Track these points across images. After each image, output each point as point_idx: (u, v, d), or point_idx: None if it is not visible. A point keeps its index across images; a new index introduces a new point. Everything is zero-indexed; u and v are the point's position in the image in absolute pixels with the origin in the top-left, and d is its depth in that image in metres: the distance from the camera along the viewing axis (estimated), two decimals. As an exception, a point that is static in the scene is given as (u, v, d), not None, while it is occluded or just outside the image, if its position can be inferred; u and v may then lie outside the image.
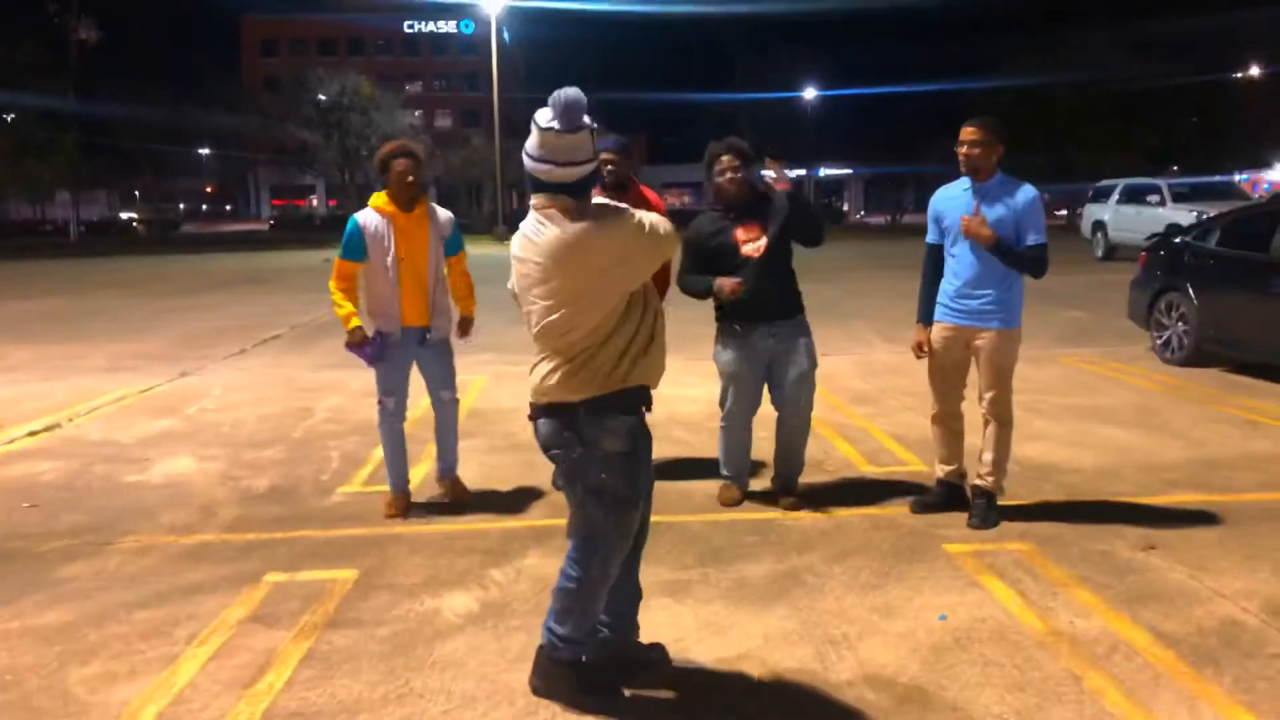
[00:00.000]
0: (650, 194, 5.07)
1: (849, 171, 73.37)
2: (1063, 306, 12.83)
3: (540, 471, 5.25)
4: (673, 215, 5.31)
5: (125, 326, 13.13)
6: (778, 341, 4.70)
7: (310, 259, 23.97)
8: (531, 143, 2.72)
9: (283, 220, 60.56)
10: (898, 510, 4.78)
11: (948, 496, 4.73)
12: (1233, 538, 4.31)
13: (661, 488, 5.07)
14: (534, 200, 2.78)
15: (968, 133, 4.39)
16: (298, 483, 5.53)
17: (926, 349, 4.66)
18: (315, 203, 70.59)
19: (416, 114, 60.57)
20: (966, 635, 3.42)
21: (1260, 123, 40.23)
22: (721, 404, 4.90)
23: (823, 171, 72.46)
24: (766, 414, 4.92)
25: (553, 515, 4.67)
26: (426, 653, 3.39)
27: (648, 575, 3.89)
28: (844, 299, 14.76)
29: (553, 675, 3.01)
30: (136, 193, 71.79)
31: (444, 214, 4.96)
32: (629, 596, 3.16)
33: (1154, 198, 20.14)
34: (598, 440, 2.81)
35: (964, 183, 4.50)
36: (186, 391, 8.35)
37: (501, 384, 8.11)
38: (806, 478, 5.19)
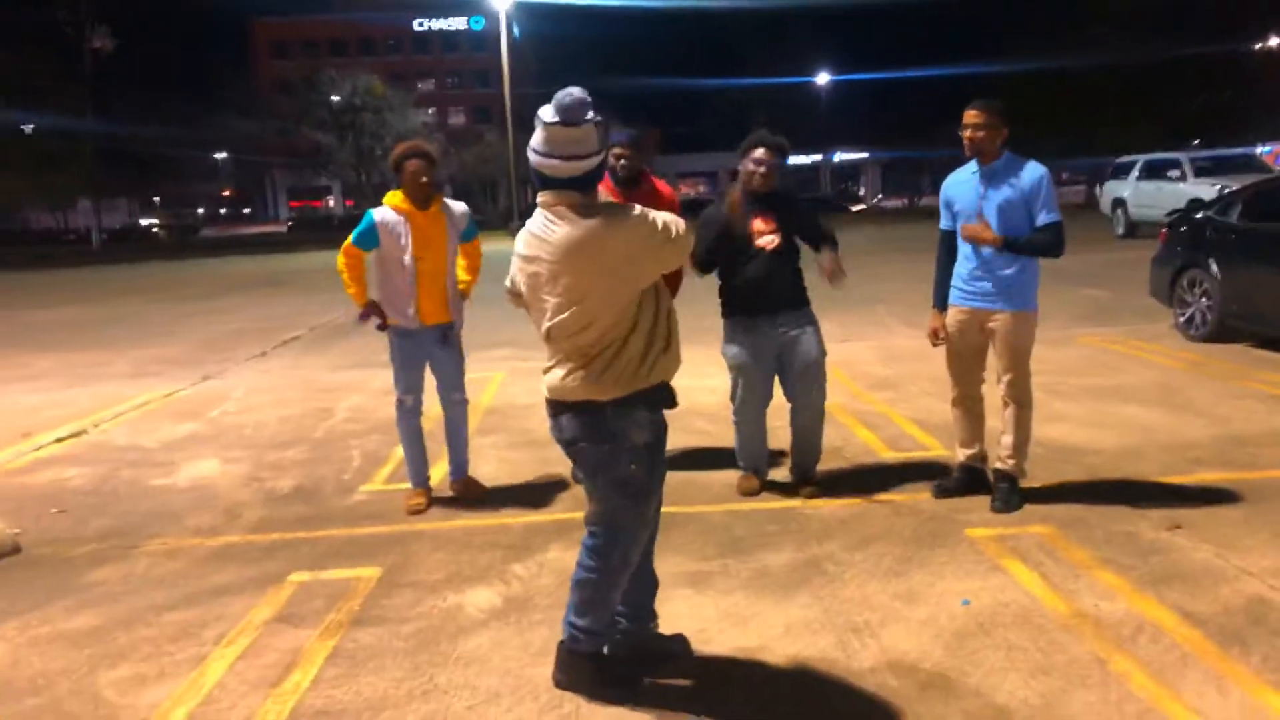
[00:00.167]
0: (663, 186, 5.05)
1: (865, 156, 72.96)
2: (1083, 285, 12.72)
3: (559, 465, 5.27)
4: (687, 204, 5.33)
5: (148, 332, 13.25)
6: (785, 332, 4.70)
7: (328, 259, 24.07)
8: (536, 138, 2.73)
9: (301, 221, 60.90)
10: (919, 496, 4.76)
11: (969, 480, 4.71)
12: (1259, 515, 4.27)
13: (682, 478, 5.15)
14: (541, 197, 2.78)
15: (970, 116, 4.36)
16: (320, 482, 5.57)
17: (943, 335, 4.64)
18: (332, 203, 70.93)
19: (429, 112, 60.76)
20: (990, 620, 3.40)
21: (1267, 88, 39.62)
22: (732, 398, 4.90)
23: (838, 156, 72.14)
24: (781, 403, 4.92)
25: (574, 508, 4.68)
26: (450, 649, 3.41)
27: (668, 566, 3.92)
28: (862, 284, 14.64)
29: (575, 668, 3.02)
30: (156, 199, 72.39)
31: (459, 208, 5.00)
32: (646, 586, 3.17)
33: (1175, 173, 19.87)
34: (626, 433, 2.82)
35: (972, 166, 4.47)
36: (209, 395, 8.42)
37: (518, 380, 8.13)
38: (826, 465, 5.18)
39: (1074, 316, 10.23)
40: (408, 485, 5.10)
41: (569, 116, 2.66)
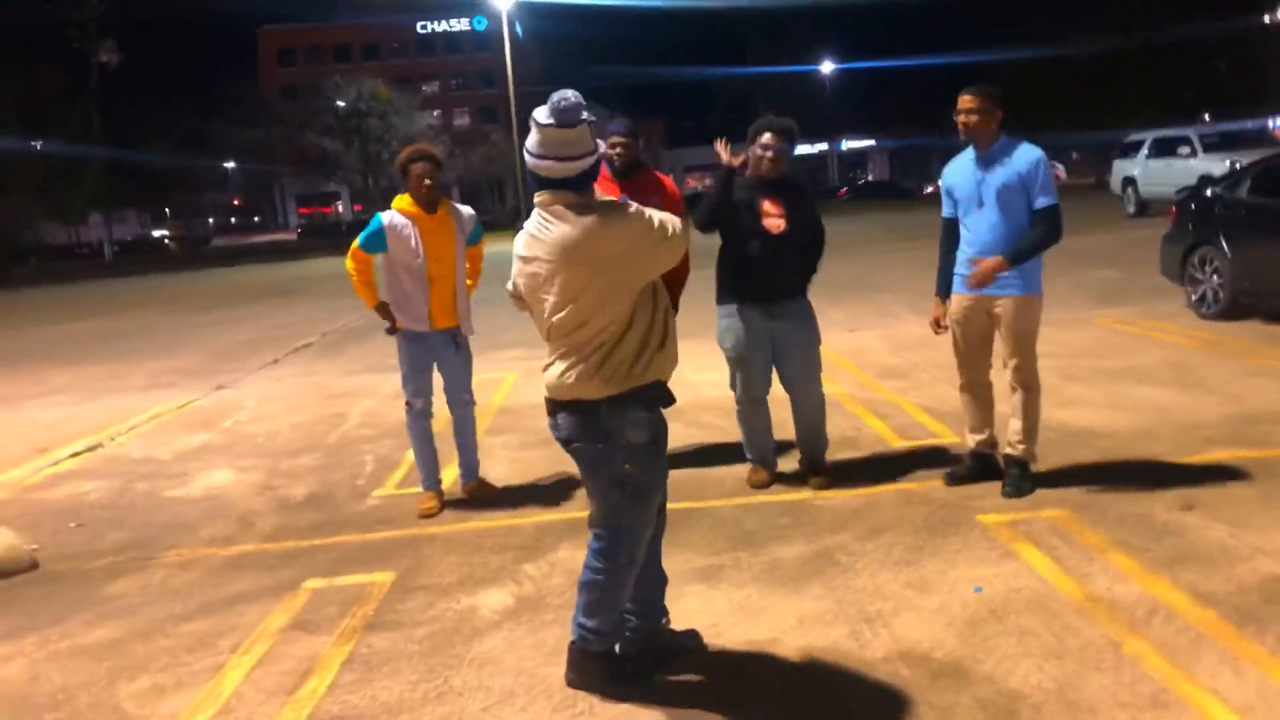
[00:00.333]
0: (665, 179, 5.06)
1: (871, 143, 72.69)
2: (1095, 267, 12.65)
3: (571, 465, 5.19)
4: (692, 200, 5.32)
5: (161, 344, 13.33)
6: (779, 322, 4.69)
7: (338, 265, 24.19)
8: (531, 140, 2.76)
9: (310, 228, 61.16)
10: (930, 484, 4.75)
11: (980, 467, 4.69)
12: (1274, 492, 4.24)
13: (692, 474, 5.16)
14: (538, 197, 2.80)
15: (965, 101, 4.35)
16: (333, 489, 5.60)
17: (945, 323, 4.63)
18: (341, 209, 71.16)
19: (435, 114, 60.84)
20: (1003, 606, 3.40)
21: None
22: (732, 387, 4.91)
23: (845, 145, 71.88)
24: (785, 394, 4.91)
25: (585, 507, 4.61)
26: (464, 650, 3.42)
27: (680, 562, 3.93)
28: (870, 273, 14.66)
29: (587, 668, 3.03)
30: (167, 210, 72.78)
31: (465, 211, 5.04)
32: (655, 583, 3.18)
33: (1185, 149, 19.71)
34: (621, 431, 2.83)
35: (970, 152, 4.46)
36: (223, 404, 8.47)
37: (531, 380, 8.14)
38: (838, 455, 5.18)
39: (1087, 298, 10.17)
40: (419, 489, 5.13)
41: (564, 119, 2.70)
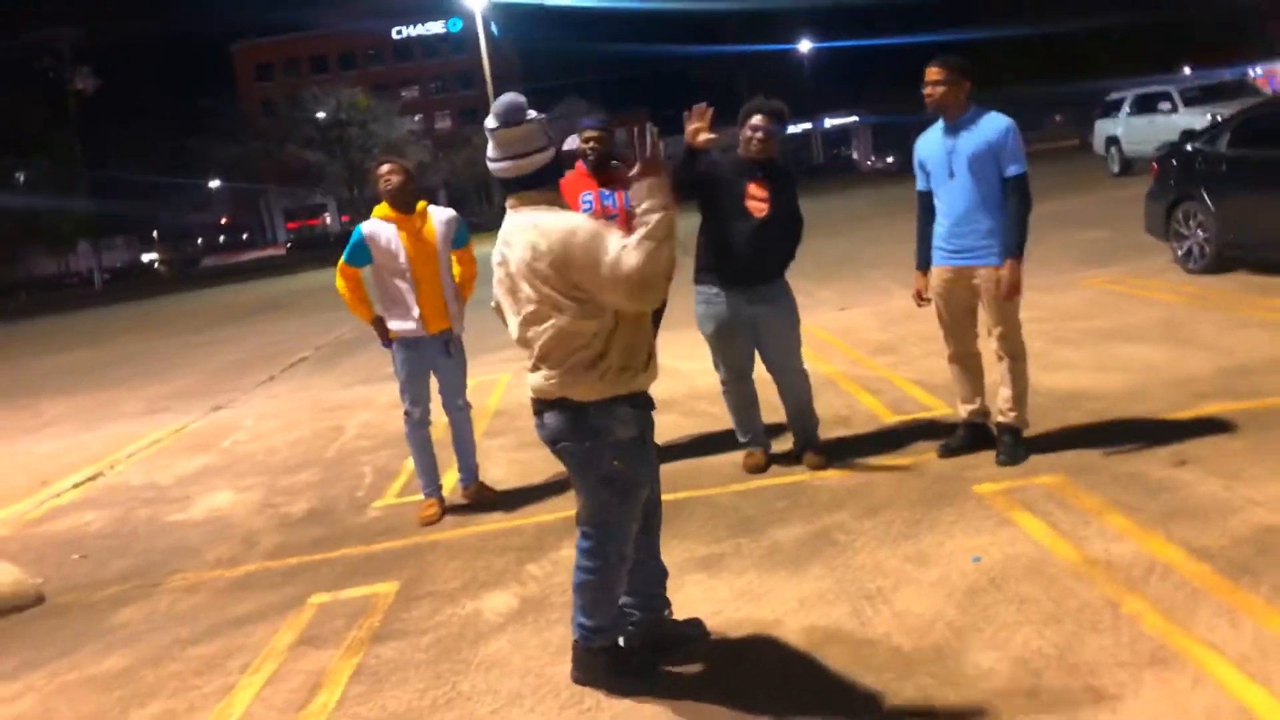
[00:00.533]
0: None
1: (854, 120, 72.59)
2: (1083, 228, 12.66)
3: (568, 462, 5.30)
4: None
5: (156, 369, 13.33)
6: (758, 306, 4.70)
7: (328, 277, 24.20)
8: (488, 148, 2.83)
9: (300, 242, 61.05)
10: (925, 457, 4.77)
11: (974, 437, 4.72)
12: (1265, 443, 4.27)
13: (689, 464, 5.18)
14: (507, 202, 2.83)
15: (931, 73, 4.37)
16: (334, 502, 5.62)
17: (927, 295, 4.65)
18: (329, 220, 71.06)
19: (416, 119, 60.72)
20: (1001, 574, 3.42)
21: (1272, 9, 39.04)
22: (716, 368, 4.93)
23: (827, 123, 71.79)
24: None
25: (583, 504, 4.71)
26: (471, 655, 3.45)
27: (680, 552, 3.95)
28: (859, 249, 14.67)
29: (591, 664, 3.06)
30: (155, 234, 72.69)
31: (446, 212, 5.06)
32: (654, 577, 3.20)
33: (1165, 105, 19.71)
34: (609, 429, 2.84)
35: (940, 124, 4.47)
36: (220, 425, 8.49)
37: (524, 381, 8.15)
38: (832, 434, 5.20)
39: (1074, 260, 10.18)
40: (420, 497, 5.15)
41: (509, 118, 2.80)
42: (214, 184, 70.22)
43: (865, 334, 8.13)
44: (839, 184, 40.90)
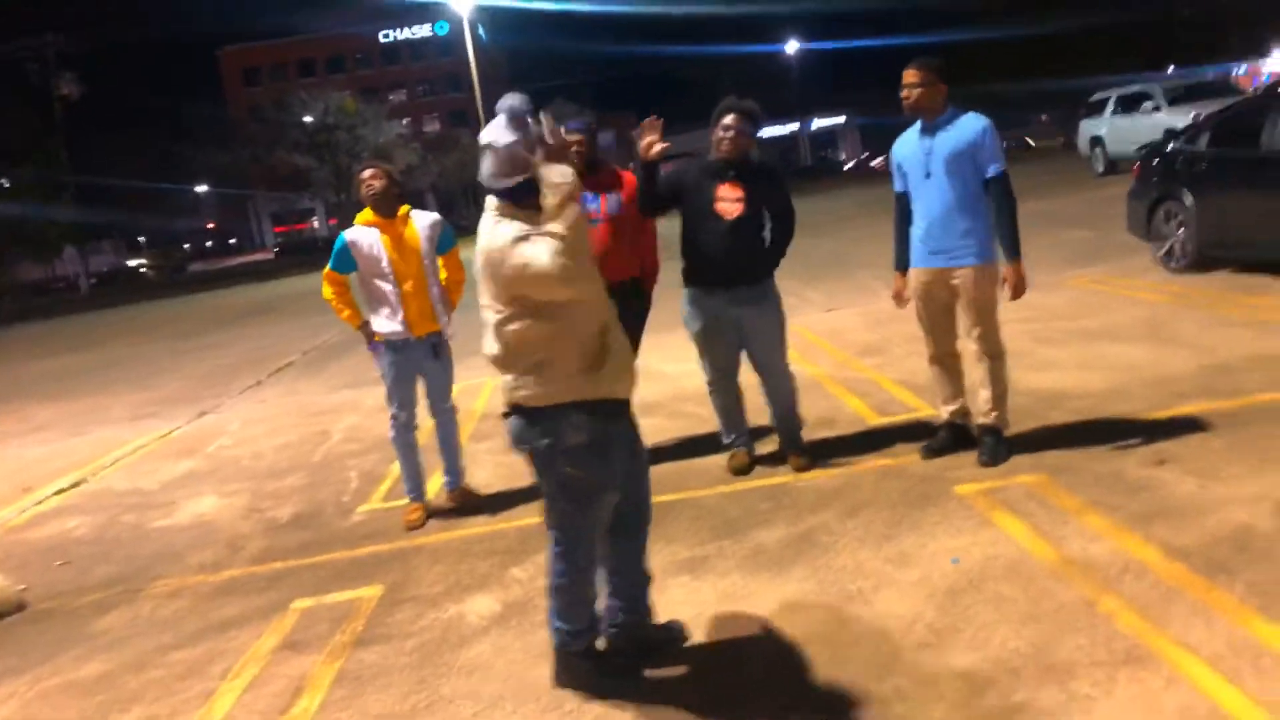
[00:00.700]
0: (626, 175, 5.10)
1: (842, 120, 72.76)
2: (1066, 228, 12.72)
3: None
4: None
5: (142, 374, 13.28)
6: (741, 306, 4.70)
7: (316, 281, 24.17)
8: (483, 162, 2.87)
9: (288, 246, 60.84)
10: (908, 458, 4.79)
11: (955, 437, 4.74)
12: (1243, 442, 4.30)
13: (676, 466, 5.20)
14: (489, 202, 2.88)
15: (908, 75, 4.40)
16: (319, 507, 5.61)
17: (906, 296, 4.68)
18: (316, 224, 70.89)
19: (404, 122, 60.62)
20: (980, 575, 3.44)
21: (1255, 6, 39.30)
22: (703, 369, 4.95)
23: (815, 124, 71.92)
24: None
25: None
26: (453, 659, 3.46)
27: (665, 555, 3.97)
28: (847, 250, 14.71)
29: (571, 667, 3.07)
30: (141, 239, 72.37)
31: (429, 216, 5.06)
32: (637, 580, 3.20)
33: (1149, 104, 19.82)
34: (560, 435, 2.85)
35: (917, 125, 4.51)
36: (206, 431, 8.46)
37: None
38: (818, 436, 5.22)
39: (1059, 260, 10.22)
40: (405, 501, 5.15)
41: (494, 138, 2.81)
42: (201, 189, 69.98)
43: (852, 335, 8.16)
44: (827, 184, 41.01)
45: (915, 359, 6.78)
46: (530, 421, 2.89)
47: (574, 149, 4.79)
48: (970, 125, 4.37)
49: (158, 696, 3.50)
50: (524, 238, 2.73)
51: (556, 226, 2.72)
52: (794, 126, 70.86)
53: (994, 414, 4.54)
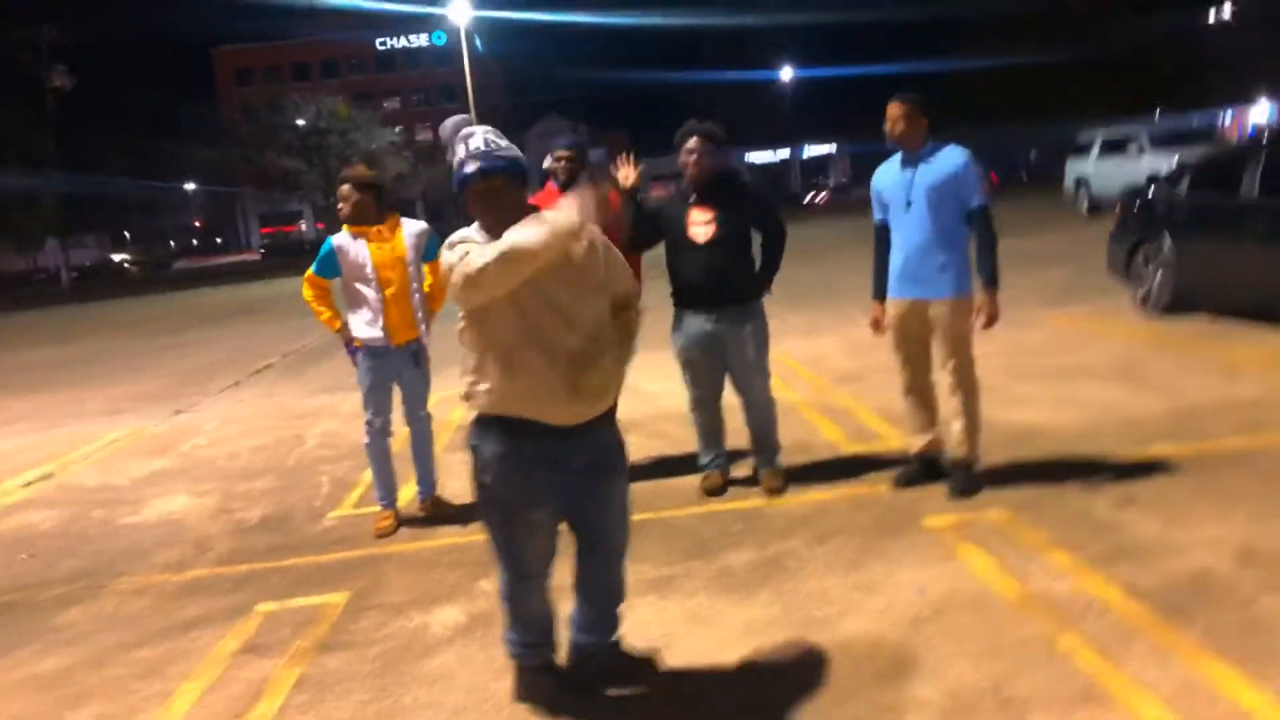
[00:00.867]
0: (611, 194, 5.12)
1: (833, 149, 73.30)
2: (1048, 267, 12.83)
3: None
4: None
5: (121, 369, 13.20)
6: (725, 327, 4.74)
7: (300, 285, 24.12)
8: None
9: (274, 248, 60.59)
10: (879, 487, 4.83)
11: (927, 469, 4.78)
12: (1207, 486, 4.35)
13: (650, 485, 5.21)
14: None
15: (892, 109, 4.47)
16: (290, 511, 5.59)
17: (884, 325, 4.73)
18: (304, 227, 70.65)
19: (397, 130, 60.60)
20: (944, 607, 3.47)
21: (1242, 55, 39.98)
22: (686, 387, 4.98)
23: (806, 152, 72.42)
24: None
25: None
26: (416, 668, 3.45)
27: (633, 574, 3.88)
28: (834, 277, 14.78)
29: (531, 683, 3.07)
30: (126, 234, 71.90)
31: (416, 225, 5.08)
32: (595, 602, 3.14)
33: (1134, 147, 20.10)
34: (479, 448, 2.86)
35: (898, 156, 4.57)
36: (181, 429, 8.41)
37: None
38: (791, 460, 5.24)
39: (1040, 298, 10.31)
40: (377, 508, 5.14)
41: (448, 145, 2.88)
42: (189, 187, 69.69)
43: (832, 361, 8.21)
44: (817, 212, 41.24)
45: (892, 389, 6.77)
46: (473, 425, 2.90)
47: (562, 165, 4.86)
48: (951, 158, 4.44)
49: (115, 694, 3.48)
50: (452, 244, 2.73)
51: (477, 235, 2.74)
52: (785, 153, 71.31)
53: (965, 447, 4.58)
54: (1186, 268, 8.16)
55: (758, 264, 4.89)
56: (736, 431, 5.11)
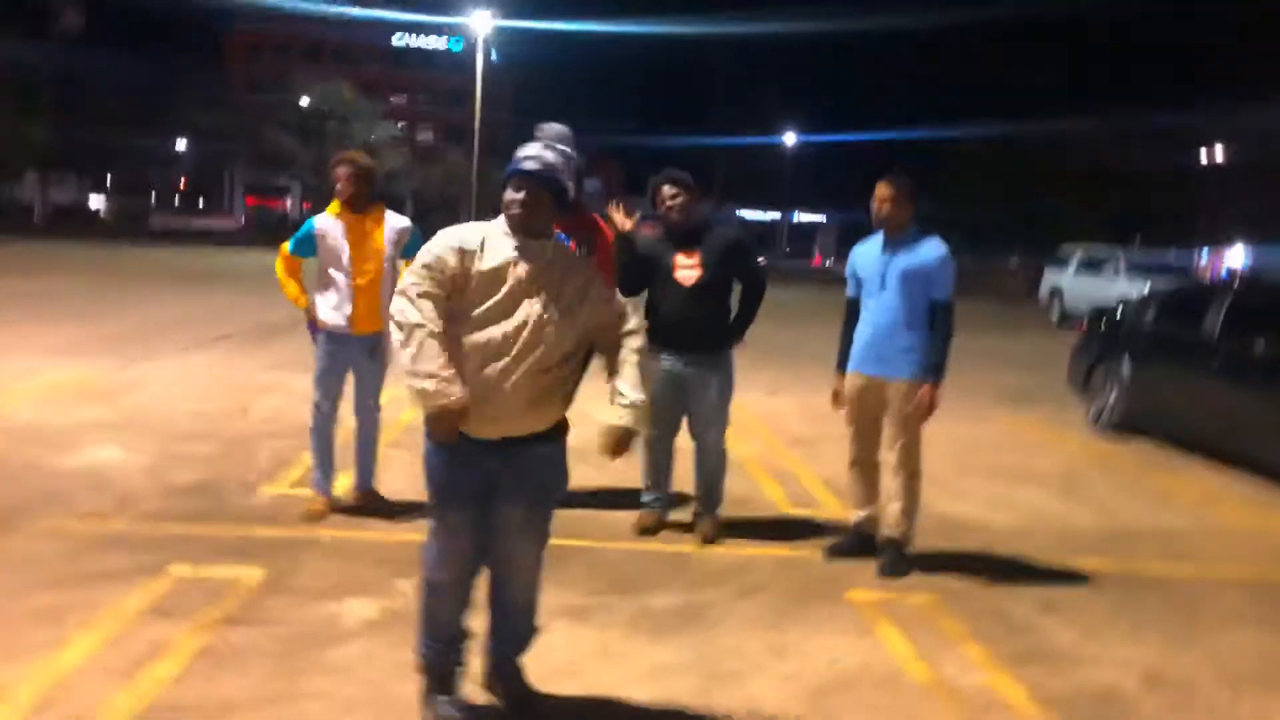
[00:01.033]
0: (602, 224, 5.19)
1: (823, 219, 74.11)
2: (1010, 368, 13.06)
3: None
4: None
5: (78, 311, 12.99)
6: (694, 372, 4.80)
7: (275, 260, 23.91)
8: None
9: (255, 220, 60.00)
10: (810, 553, 4.86)
11: (860, 543, 4.82)
12: (1126, 606, 4.43)
13: (585, 514, 5.20)
14: None
15: (881, 189, 4.57)
16: (222, 480, 5.52)
17: (843, 399, 4.79)
18: (290, 205, 70.09)
19: (399, 125, 60.51)
20: (853, 680, 3.49)
21: (1228, 199, 41.19)
22: None
23: (797, 217, 73.23)
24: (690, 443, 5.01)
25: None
26: (320, 656, 3.41)
27: (553, 597, 3.91)
28: (803, 342, 14.88)
29: (422, 681, 3.05)
30: (109, 181, 70.85)
31: (400, 221, 5.08)
32: (502, 619, 3.13)
33: (1110, 268, 20.66)
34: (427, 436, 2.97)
35: (880, 236, 4.66)
36: (128, 381, 8.29)
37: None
38: (730, 513, 5.26)
39: (996, 398, 10.47)
40: (310, 492, 5.08)
41: None
42: (181, 146, 68.95)
43: (787, 423, 8.28)
44: (798, 277, 41.67)
45: (840, 459, 6.80)
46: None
47: None
48: (930, 250, 4.54)
49: (3, 635, 3.39)
50: (431, 250, 2.87)
51: (494, 230, 2.91)
52: (776, 216, 72.05)
53: (901, 529, 4.63)
54: (1140, 392, 8.34)
55: (732, 314, 4.95)
56: (680, 477, 5.13)
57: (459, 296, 2.81)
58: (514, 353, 2.79)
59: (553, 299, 2.85)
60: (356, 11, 64.11)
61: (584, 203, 5.08)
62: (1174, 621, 4.27)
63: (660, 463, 5.05)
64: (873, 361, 4.61)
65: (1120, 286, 18.85)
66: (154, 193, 72.99)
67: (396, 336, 2.79)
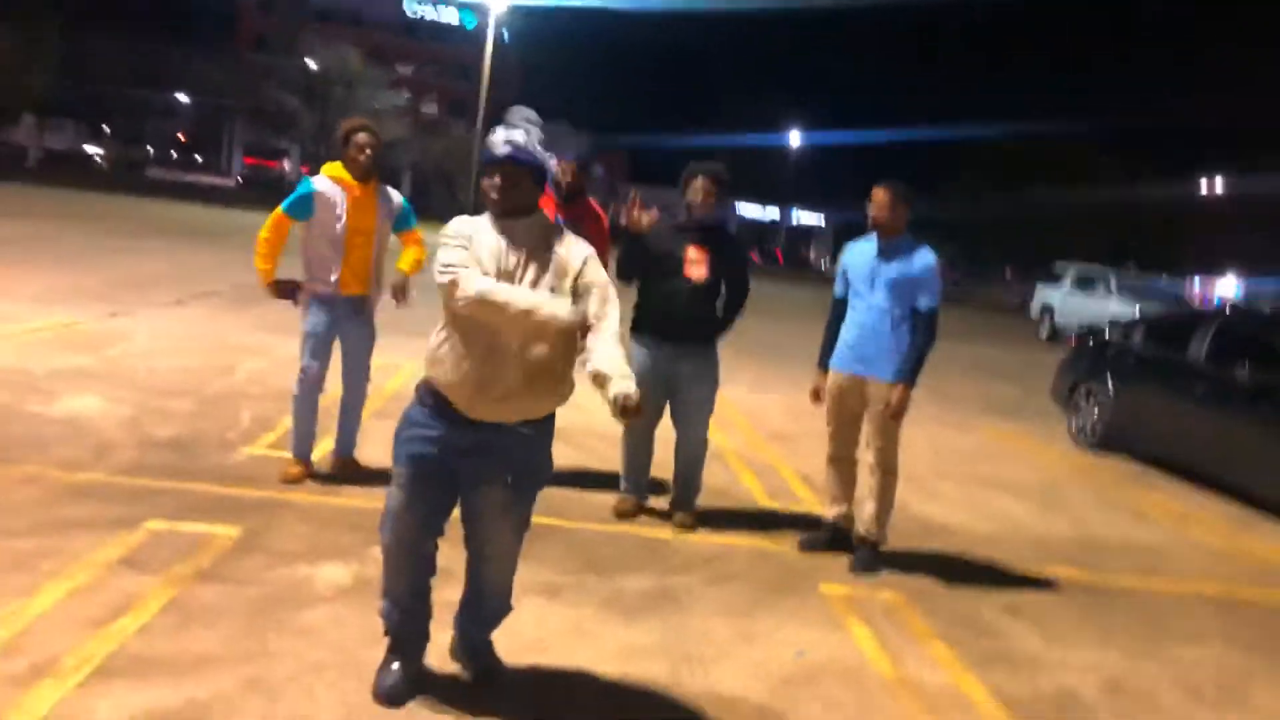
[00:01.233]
0: (601, 212, 5.21)
1: (821, 221, 74.13)
2: (997, 380, 13.11)
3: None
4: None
5: (65, 258, 12.88)
6: (682, 364, 4.82)
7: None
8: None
9: (252, 179, 59.54)
10: (785, 546, 4.89)
11: (834, 538, 4.85)
12: (1093, 615, 4.48)
13: (563, 493, 5.21)
14: None
15: (877, 194, 4.60)
16: (201, 437, 5.50)
17: (823, 396, 4.81)
18: (288, 166, 69.64)
19: (405, 95, 60.13)
20: (818, 672, 3.52)
21: (1225, 229, 41.42)
22: None
23: (795, 217, 73.19)
24: (671, 433, 5.02)
25: (447, 504, 4.69)
26: (290, 618, 3.41)
27: (527, 573, 3.92)
28: (790, 341, 14.91)
29: (386, 671, 3.04)
30: (106, 128, 70.25)
31: (394, 195, 5.06)
32: (474, 597, 3.15)
33: (1101, 288, 20.78)
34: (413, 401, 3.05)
35: (873, 239, 4.68)
36: (111, 332, 8.24)
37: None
38: (707, 503, 5.28)
39: (980, 407, 10.54)
40: (289, 454, 5.07)
41: None
42: (182, 98, 68.43)
43: (768, 418, 8.30)
44: (793, 276, 41.71)
45: (819, 456, 6.83)
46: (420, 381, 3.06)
47: (564, 174, 4.91)
48: (919, 258, 4.57)
49: (-23, 576, 3.39)
50: (448, 237, 2.89)
51: (483, 224, 2.92)
52: (775, 215, 71.98)
53: (874, 526, 4.66)
54: (1122, 411, 8.41)
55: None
56: (660, 465, 5.15)
57: None
58: (514, 332, 2.82)
59: (544, 273, 2.86)
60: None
61: (586, 186, 5.09)
62: (1139, 633, 4.32)
63: (639, 451, 5.06)
64: (857, 360, 4.64)
65: (1111, 307, 18.96)
66: (151, 145, 72.25)
67: (449, 279, 2.80)
